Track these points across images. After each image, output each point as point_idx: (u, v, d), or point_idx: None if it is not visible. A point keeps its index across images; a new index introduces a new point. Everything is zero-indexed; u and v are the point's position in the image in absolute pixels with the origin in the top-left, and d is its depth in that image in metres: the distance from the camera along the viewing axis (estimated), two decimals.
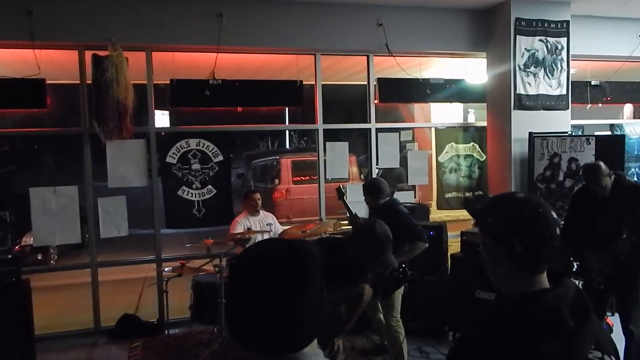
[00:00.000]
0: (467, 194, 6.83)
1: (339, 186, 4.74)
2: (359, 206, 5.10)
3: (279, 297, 1.00)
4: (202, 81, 5.72)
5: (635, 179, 7.17)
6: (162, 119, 8.81)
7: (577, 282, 4.11)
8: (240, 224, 5.44)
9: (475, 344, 1.23)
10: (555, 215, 1.29)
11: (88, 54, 5.32)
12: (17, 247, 7.55)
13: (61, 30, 5.15)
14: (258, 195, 5.68)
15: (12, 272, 4.59)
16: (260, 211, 5.64)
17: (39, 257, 7.87)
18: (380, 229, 3.02)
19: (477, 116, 8.85)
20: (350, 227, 4.79)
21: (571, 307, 1.18)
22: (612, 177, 3.88)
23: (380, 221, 3.11)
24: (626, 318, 3.88)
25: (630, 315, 3.85)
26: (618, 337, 3.94)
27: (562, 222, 4.39)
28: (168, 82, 5.73)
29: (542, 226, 1.26)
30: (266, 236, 5.54)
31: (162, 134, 6.01)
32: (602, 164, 3.90)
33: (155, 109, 5.81)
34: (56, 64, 5.91)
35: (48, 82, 5.36)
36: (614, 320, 4.42)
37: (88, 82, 5.37)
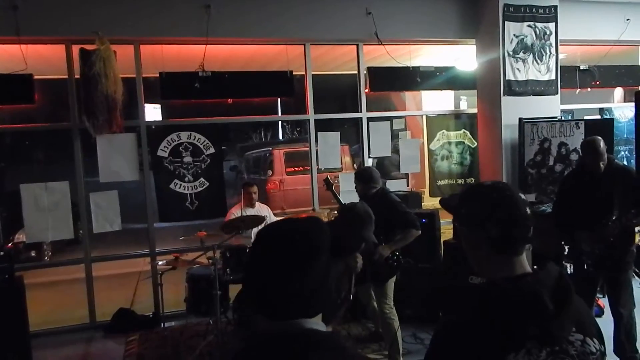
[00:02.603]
0: (459, 181, 6.87)
1: (326, 177, 4.78)
2: (351, 195, 5.13)
3: (289, 265, 1.09)
4: (192, 73, 5.68)
5: (625, 162, 7.23)
6: (154, 112, 8.77)
7: (568, 266, 4.17)
8: (235, 215, 5.46)
9: (458, 328, 1.25)
10: (524, 197, 1.36)
11: (75, 48, 5.28)
12: (9, 244, 7.52)
13: (47, 25, 5.10)
14: (255, 189, 5.69)
15: (4, 269, 4.58)
16: (256, 203, 5.65)
17: (33, 254, 7.84)
18: (361, 206, 3.15)
19: (469, 103, 8.86)
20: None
21: (552, 291, 1.20)
22: (606, 157, 3.90)
23: (363, 202, 3.20)
24: (615, 300, 3.93)
25: (619, 297, 3.90)
26: (609, 319, 4.00)
27: (552, 206, 4.43)
28: (157, 75, 5.70)
29: (512, 207, 1.31)
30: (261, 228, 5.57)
31: (153, 127, 5.98)
32: (600, 138, 3.90)
33: (146, 102, 5.79)
34: (43, 58, 5.85)
35: (36, 77, 5.31)
36: (605, 302, 4.47)
37: (76, 76, 5.34)
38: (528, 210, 1.32)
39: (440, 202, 1.66)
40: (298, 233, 1.13)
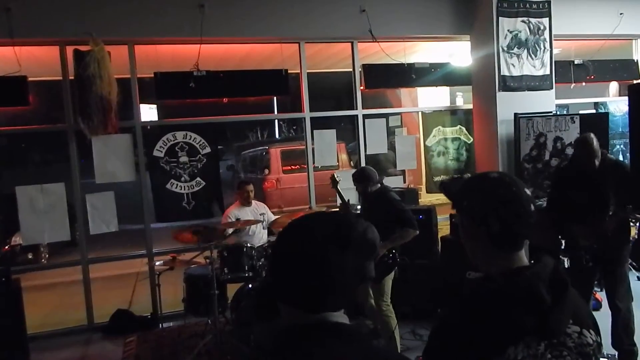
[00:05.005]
0: (445, 179, 6.86)
1: (332, 175, 4.79)
2: (351, 193, 5.14)
3: (323, 258, 1.10)
4: (187, 73, 5.67)
5: (621, 155, 7.26)
6: (150, 112, 8.75)
7: (565, 260, 4.18)
8: (231, 217, 5.43)
9: (456, 323, 1.25)
10: (529, 193, 1.32)
11: (69, 50, 5.26)
12: (6, 247, 7.51)
13: (41, 26, 5.08)
14: (251, 187, 5.67)
15: (0, 272, 4.57)
16: (252, 202, 5.64)
17: (30, 257, 7.82)
18: (371, 235, 3.05)
19: (465, 99, 8.88)
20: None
21: (548, 284, 1.20)
22: (600, 153, 3.91)
23: (373, 227, 3.12)
24: (612, 293, 3.94)
25: (616, 291, 3.91)
26: (606, 313, 4.01)
27: (546, 200, 4.44)
28: (152, 75, 5.68)
29: (517, 205, 1.28)
30: (259, 226, 5.54)
31: (148, 127, 5.97)
32: (593, 135, 3.90)
33: (141, 102, 5.77)
34: (37, 60, 5.83)
35: (30, 79, 5.29)
36: (603, 295, 4.49)
37: (71, 77, 5.31)
38: (532, 207, 1.30)
39: (441, 185, 1.64)
40: (332, 225, 1.14)
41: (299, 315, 1.11)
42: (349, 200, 4.63)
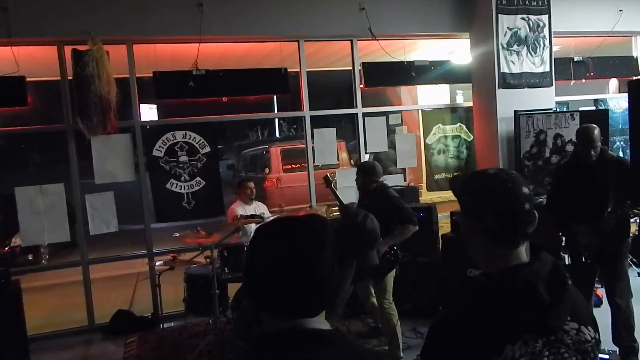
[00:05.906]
0: (456, 175, 6.86)
1: (326, 174, 4.77)
2: (349, 192, 5.13)
3: (293, 263, 1.07)
4: (186, 72, 5.65)
5: (621, 152, 7.24)
6: (149, 112, 8.74)
7: (565, 256, 4.17)
8: (240, 208, 5.44)
9: (453, 321, 1.24)
10: (526, 190, 1.29)
11: (68, 49, 5.24)
12: (6, 249, 7.50)
13: (39, 26, 5.06)
14: (252, 184, 5.71)
15: (1, 273, 4.55)
16: (253, 201, 5.65)
17: (30, 258, 7.81)
18: (370, 224, 3.03)
19: (465, 97, 8.86)
20: (340, 213, 4.81)
21: (547, 281, 1.19)
22: (599, 148, 3.88)
23: (372, 216, 3.11)
24: (612, 291, 3.93)
25: (616, 287, 3.90)
26: (607, 309, 4.00)
27: (546, 197, 4.43)
28: (151, 74, 5.66)
29: (512, 200, 1.27)
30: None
31: (148, 127, 5.95)
32: (595, 127, 3.87)
33: (140, 102, 5.75)
34: (36, 60, 5.82)
35: (28, 79, 5.27)
36: (603, 292, 4.48)
37: (69, 77, 5.30)
38: (529, 204, 1.27)
39: (450, 182, 1.63)
40: (302, 229, 1.12)
41: (273, 321, 1.09)
42: (347, 204, 4.60)
